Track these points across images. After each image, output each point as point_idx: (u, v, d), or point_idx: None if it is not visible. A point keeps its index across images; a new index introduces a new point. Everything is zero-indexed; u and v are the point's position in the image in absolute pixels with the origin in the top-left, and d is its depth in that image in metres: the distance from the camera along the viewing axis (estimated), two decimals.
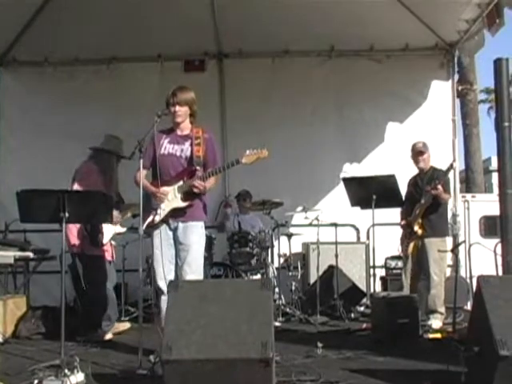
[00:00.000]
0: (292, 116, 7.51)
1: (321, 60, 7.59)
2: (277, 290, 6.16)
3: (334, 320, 5.84)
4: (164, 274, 4.07)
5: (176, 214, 4.15)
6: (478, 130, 14.91)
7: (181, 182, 4.14)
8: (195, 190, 4.08)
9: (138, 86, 7.43)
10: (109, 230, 5.01)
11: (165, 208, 4.13)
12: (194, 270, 4.12)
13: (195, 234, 4.16)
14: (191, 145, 4.16)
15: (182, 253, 4.14)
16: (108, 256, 5.14)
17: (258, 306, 3.24)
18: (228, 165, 4.13)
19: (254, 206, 6.39)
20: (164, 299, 4.05)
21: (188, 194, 4.12)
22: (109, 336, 5.01)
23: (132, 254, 5.68)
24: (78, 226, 5.00)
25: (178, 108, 4.14)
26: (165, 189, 4.13)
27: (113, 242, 5.22)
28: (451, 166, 5.32)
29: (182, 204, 4.13)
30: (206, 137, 4.19)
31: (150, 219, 4.16)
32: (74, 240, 5.04)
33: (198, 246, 4.18)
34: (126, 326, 5.34)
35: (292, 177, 7.35)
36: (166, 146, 4.20)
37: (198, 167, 4.10)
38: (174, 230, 4.18)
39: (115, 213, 4.82)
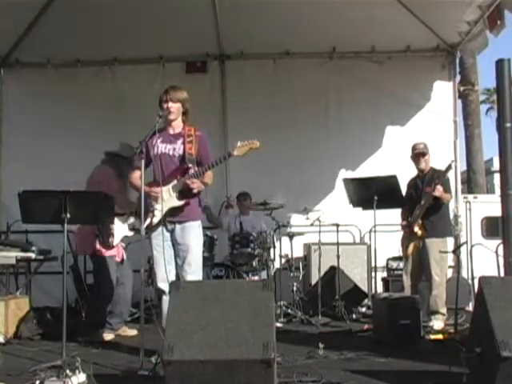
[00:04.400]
0: (293, 117, 7.52)
1: (322, 61, 7.61)
2: (278, 290, 6.16)
3: (335, 321, 5.84)
4: (165, 275, 4.08)
5: (173, 213, 4.13)
6: (480, 130, 14.90)
7: (175, 181, 4.13)
8: (194, 189, 4.07)
9: (140, 87, 7.45)
10: (119, 232, 5.05)
11: (162, 208, 4.12)
12: (194, 270, 4.12)
13: (193, 233, 4.16)
14: (183, 143, 4.15)
15: (181, 253, 4.14)
16: (118, 257, 5.18)
17: (260, 307, 3.23)
18: (220, 159, 4.10)
19: (256, 207, 6.39)
20: (165, 300, 4.05)
21: (183, 193, 4.11)
22: (110, 336, 5.02)
23: (133, 255, 5.68)
24: (87, 228, 5.07)
25: (170, 104, 4.13)
26: (160, 189, 4.11)
27: (122, 244, 5.25)
28: (450, 166, 5.32)
29: (178, 203, 4.12)
30: (198, 134, 4.18)
31: (148, 221, 4.15)
32: (86, 242, 5.11)
33: (197, 245, 4.18)
34: (133, 332, 5.25)
35: (293, 178, 7.36)
36: (159, 146, 4.19)
37: (190, 165, 4.09)
38: (172, 231, 4.17)
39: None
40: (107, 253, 5.10)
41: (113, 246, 5.07)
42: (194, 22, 6.79)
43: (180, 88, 4.24)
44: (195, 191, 4.08)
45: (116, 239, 5.04)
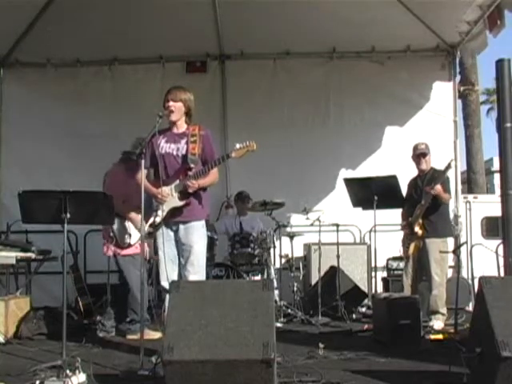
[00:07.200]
0: (293, 117, 7.53)
1: (322, 61, 7.62)
2: (277, 291, 6.16)
3: (335, 321, 5.83)
4: (168, 274, 4.08)
5: (176, 213, 4.14)
6: (480, 130, 14.92)
7: (177, 181, 4.15)
8: (189, 190, 4.09)
9: (140, 87, 7.45)
10: (137, 231, 5.03)
11: (164, 208, 4.13)
12: (197, 270, 4.13)
13: (196, 233, 4.16)
14: (187, 143, 4.16)
15: (184, 253, 4.15)
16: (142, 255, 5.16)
17: (260, 307, 3.23)
18: (219, 160, 4.12)
19: (256, 207, 6.38)
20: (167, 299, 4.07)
21: (184, 193, 4.12)
22: (132, 336, 4.98)
23: None
24: (106, 227, 5.08)
25: (171, 103, 4.15)
26: (164, 189, 4.13)
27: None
28: (449, 165, 5.30)
29: (179, 203, 4.13)
30: (202, 134, 4.18)
31: (151, 220, 4.17)
32: (106, 241, 5.12)
33: (200, 245, 4.18)
34: (156, 335, 4.89)
35: (293, 177, 7.36)
36: (163, 146, 4.19)
37: (192, 165, 4.09)
38: (176, 231, 4.19)
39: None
40: (128, 251, 5.07)
41: (130, 245, 5.05)
42: (193, 22, 6.79)
43: (184, 88, 4.25)
44: (190, 191, 4.09)
45: (134, 238, 5.04)
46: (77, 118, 7.37)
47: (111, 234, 5.03)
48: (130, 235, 5.03)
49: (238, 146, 4.09)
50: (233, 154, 4.08)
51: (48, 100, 7.44)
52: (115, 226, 4.98)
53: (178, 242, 4.18)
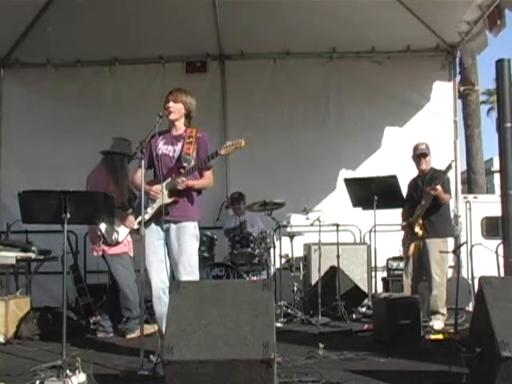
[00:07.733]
0: (293, 117, 7.54)
1: (322, 61, 7.62)
2: (278, 290, 6.16)
3: (335, 321, 5.83)
4: (156, 274, 4.09)
5: (166, 211, 4.10)
6: (480, 130, 14.92)
7: (169, 179, 4.16)
8: (178, 187, 4.09)
9: (140, 87, 7.46)
10: (124, 228, 5.05)
11: (154, 206, 4.15)
12: (190, 271, 4.09)
13: (188, 234, 4.14)
14: (182, 144, 4.18)
15: (175, 254, 4.12)
16: (130, 252, 5.19)
17: (260, 307, 3.23)
18: (208, 157, 4.13)
19: (255, 207, 6.38)
20: (156, 299, 4.09)
21: (173, 191, 4.13)
22: (132, 335, 5.00)
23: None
24: (92, 229, 5.09)
25: (171, 104, 4.17)
26: (156, 187, 4.15)
27: (129, 239, 5.22)
28: (450, 166, 5.30)
29: (168, 200, 4.12)
30: (198, 136, 4.20)
31: (140, 218, 4.16)
32: (94, 242, 5.13)
33: (191, 246, 4.15)
34: (154, 328, 4.83)
35: (293, 177, 7.36)
36: (161, 147, 4.22)
37: (185, 164, 4.10)
38: (167, 231, 4.16)
39: (130, 217, 4.86)
40: (115, 250, 5.08)
41: (118, 243, 5.06)
42: (193, 22, 6.79)
43: (186, 91, 4.27)
44: (179, 187, 4.09)
45: (121, 235, 5.05)
46: (77, 118, 7.37)
47: (99, 234, 5.03)
48: (117, 232, 5.04)
49: (227, 143, 4.11)
50: (222, 151, 4.09)
51: (48, 100, 7.44)
52: (102, 225, 4.97)
53: (168, 242, 4.16)
